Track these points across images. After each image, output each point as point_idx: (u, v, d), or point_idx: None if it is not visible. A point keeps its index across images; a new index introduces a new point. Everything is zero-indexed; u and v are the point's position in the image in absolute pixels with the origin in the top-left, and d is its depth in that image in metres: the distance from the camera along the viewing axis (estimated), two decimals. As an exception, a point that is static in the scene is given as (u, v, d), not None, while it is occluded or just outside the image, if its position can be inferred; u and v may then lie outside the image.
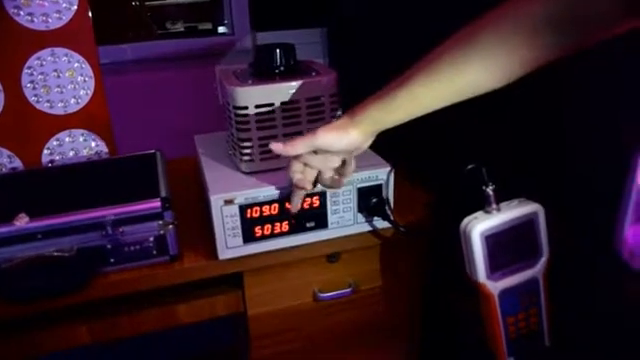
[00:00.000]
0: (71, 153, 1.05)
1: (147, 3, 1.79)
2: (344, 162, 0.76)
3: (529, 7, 0.56)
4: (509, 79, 0.60)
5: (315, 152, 0.72)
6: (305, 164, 0.75)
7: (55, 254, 0.77)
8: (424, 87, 0.63)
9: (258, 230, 0.82)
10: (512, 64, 0.59)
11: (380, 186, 0.86)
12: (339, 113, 0.83)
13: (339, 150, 0.72)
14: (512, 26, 0.57)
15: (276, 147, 0.72)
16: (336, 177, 0.77)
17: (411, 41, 1.09)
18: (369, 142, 0.73)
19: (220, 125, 0.97)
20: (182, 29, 1.85)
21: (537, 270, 0.72)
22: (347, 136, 0.69)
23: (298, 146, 0.71)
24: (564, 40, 0.55)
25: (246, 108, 0.82)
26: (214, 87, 0.93)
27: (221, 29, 1.75)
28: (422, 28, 1.05)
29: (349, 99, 0.89)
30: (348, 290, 0.93)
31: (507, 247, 0.70)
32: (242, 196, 0.80)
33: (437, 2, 1.01)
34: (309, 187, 0.76)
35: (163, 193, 0.82)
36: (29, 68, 1.00)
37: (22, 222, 0.76)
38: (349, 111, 0.70)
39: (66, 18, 1.00)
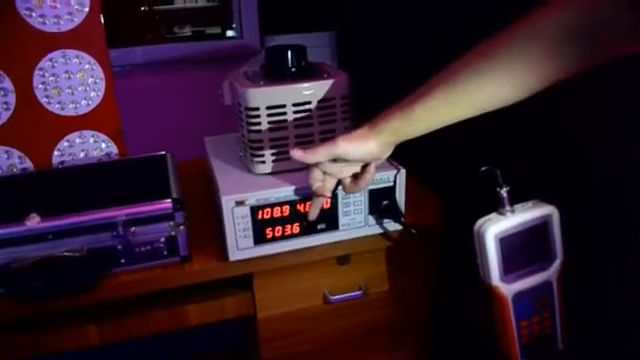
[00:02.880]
0: (82, 154, 1.06)
1: (156, 8, 1.79)
2: (363, 168, 0.76)
3: (546, 20, 0.55)
4: (527, 93, 0.60)
5: (334, 160, 0.72)
6: (324, 172, 0.75)
7: (66, 254, 0.77)
8: (443, 101, 0.63)
9: (269, 232, 0.82)
10: (530, 79, 0.58)
11: (391, 188, 0.86)
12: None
13: (358, 159, 0.73)
14: (530, 40, 0.56)
15: (296, 154, 0.72)
16: (354, 183, 0.77)
17: (418, 45, 1.10)
18: (388, 152, 0.73)
19: (229, 127, 0.97)
20: (189, 33, 1.86)
21: (551, 273, 0.71)
22: (366, 146, 0.69)
23: (318, 154, 0.71)
24: (581, 53, 0.55)
25: (257, 109, 0.82)
26: (219, 93, 0.93)
27: (230, 33, 1.75)
28: (429, 32, 1.05)
29: (358, 102, 0.89)
30: (358, 293, 0.92)
31: (521, 249, 0.69)
32: (253, 197, 0.79)
33: (443, 6, 1.01)
34: (328, 195, 0.77)
35: (174, 194, 0.82)
36: (41, 69, 1.00)
37: (33, 222, 0.76)
38: (369, 121, 0.70)
39: (78, 20, 1.00)
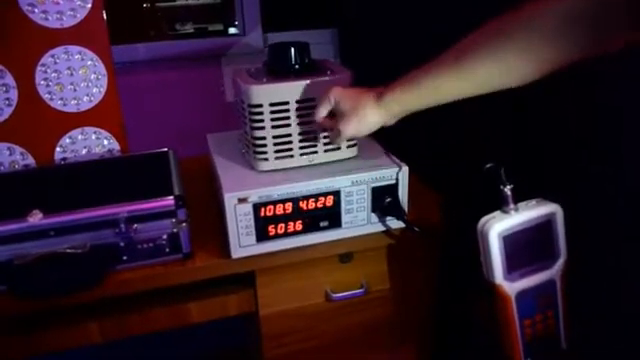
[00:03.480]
0: (84, 151, 1.05)
1: (158, 4, 1.79)
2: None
3: (546, 7, 0.56)
4: (525, 80, 0.61)
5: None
6: None
7: (68, 251, 0.77)
8: (445, 80, 0.66)
9: (272, 229, 0.82)
10: (527, 66, 0.59)
11: (394, 186, 0.86)
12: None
13: (363, 130, 0.78)
14: (529, 27, 0.57)
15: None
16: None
17: (419, 43, 1.09)
18: (393, 121, 0.76)
19: (231, 124, 0.97)
20: (191, 30, 1.86)
21: (554, 272, 0.71)
22: (372, 117, 0.74)
23: (320, 111, 0.79)
24: (580, 42, 0.55)
25: (261, 106, 0.81)
26: (221, 90, 0.92)
27: (232, 30, 1.75)
28: (429, 30, 1.04)
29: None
30: (360, 291, 0.92)
31: (524, 248, 0.69)
32: (256, 194, 0.79)
33: (443, 3, 1.01)
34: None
35: (177, 191, 0.82)
36: (43, 66, 1.00)
37: (35, 219, 0.76)
38: (377, 91, 0.73)
39: (80, 16, 1.00)
